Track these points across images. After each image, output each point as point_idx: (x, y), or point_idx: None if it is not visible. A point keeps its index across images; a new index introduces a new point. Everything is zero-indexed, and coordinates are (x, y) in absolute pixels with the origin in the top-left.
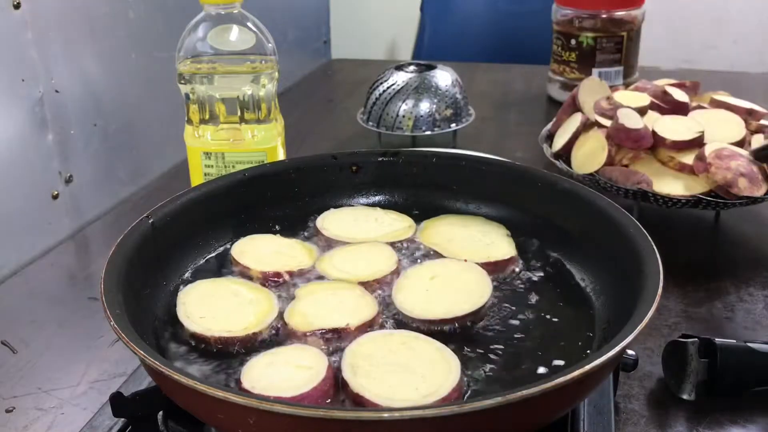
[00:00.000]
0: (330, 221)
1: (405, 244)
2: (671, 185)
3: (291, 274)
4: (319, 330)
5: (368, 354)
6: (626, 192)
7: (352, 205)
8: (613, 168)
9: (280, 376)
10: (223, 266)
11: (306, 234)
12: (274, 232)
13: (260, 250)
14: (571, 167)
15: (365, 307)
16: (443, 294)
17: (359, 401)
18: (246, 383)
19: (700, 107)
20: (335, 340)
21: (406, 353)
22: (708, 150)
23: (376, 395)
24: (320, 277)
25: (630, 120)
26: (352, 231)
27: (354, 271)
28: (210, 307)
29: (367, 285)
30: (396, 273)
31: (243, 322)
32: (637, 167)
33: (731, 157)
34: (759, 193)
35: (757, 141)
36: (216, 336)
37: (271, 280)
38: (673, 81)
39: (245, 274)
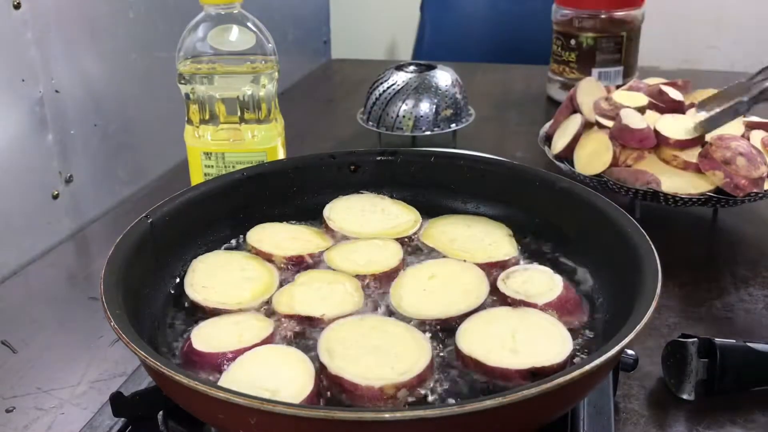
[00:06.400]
0: (337, 211)
1: (408, 242)
2: (677, 184)
3: (312, 256)
4: (296, 315)
5: (342, 338)
6: (636, 192)
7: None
8: (620, 169)
9: (223, 334)
10: None
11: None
12: None
13: (275, 237)
14: (574, 169)
15: (348, 303)
16: (440, 294)
17: (338, 382)
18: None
19: (693, 105)
20: (308, 327)
21: (378, 335)
22: (709, 136)
23: (354, 375)
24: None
25: (633, 120)
26: (357, 223)
27: (358, 263)
28: (215, 278)
29: (367, 279)
30: (399, 270)
31: (238, 297)
32: (641, 167)
33: (732, 139)
34: (757, 173)
35: (756, 137)
36: (210, 307)
37: (294, 264)
38: (663, 80)
39: (267, 261)
